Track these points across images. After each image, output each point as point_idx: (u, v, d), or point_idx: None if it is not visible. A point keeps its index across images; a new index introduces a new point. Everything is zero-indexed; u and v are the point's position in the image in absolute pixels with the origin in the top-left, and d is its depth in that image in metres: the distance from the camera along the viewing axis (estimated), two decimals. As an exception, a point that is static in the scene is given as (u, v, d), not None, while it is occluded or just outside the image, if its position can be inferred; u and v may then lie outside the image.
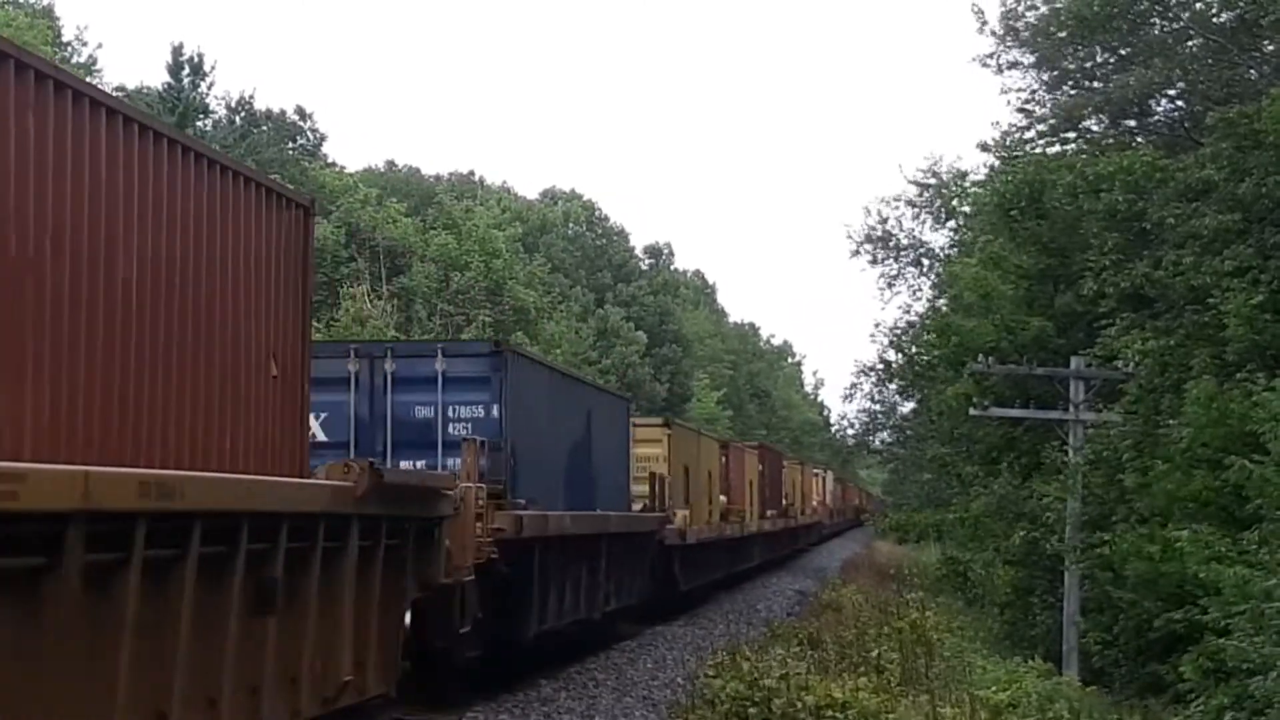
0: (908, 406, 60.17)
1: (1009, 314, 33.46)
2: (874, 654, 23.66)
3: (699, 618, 36.68)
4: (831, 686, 19.09)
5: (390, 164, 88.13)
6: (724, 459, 45.32)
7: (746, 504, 48.51)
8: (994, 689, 20.85)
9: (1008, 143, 40.59)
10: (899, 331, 54.03)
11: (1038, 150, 38.72)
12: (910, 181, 57.74)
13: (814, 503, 78.05)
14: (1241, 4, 32.57)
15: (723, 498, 44.08)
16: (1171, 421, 23.85)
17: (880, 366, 59.55)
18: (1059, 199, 32.03)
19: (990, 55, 40.51)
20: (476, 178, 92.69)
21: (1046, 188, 32.49)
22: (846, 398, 73.79)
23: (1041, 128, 40.37)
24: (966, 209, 51.72)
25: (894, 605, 33.13)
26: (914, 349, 47.69)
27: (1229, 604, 18.77)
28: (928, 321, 46.84)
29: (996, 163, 42.46)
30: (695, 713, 18.75)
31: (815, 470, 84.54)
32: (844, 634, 26.97)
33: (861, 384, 65.57)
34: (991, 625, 34.35)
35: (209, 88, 70.81)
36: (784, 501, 61.13)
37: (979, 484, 36.22)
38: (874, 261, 58.97)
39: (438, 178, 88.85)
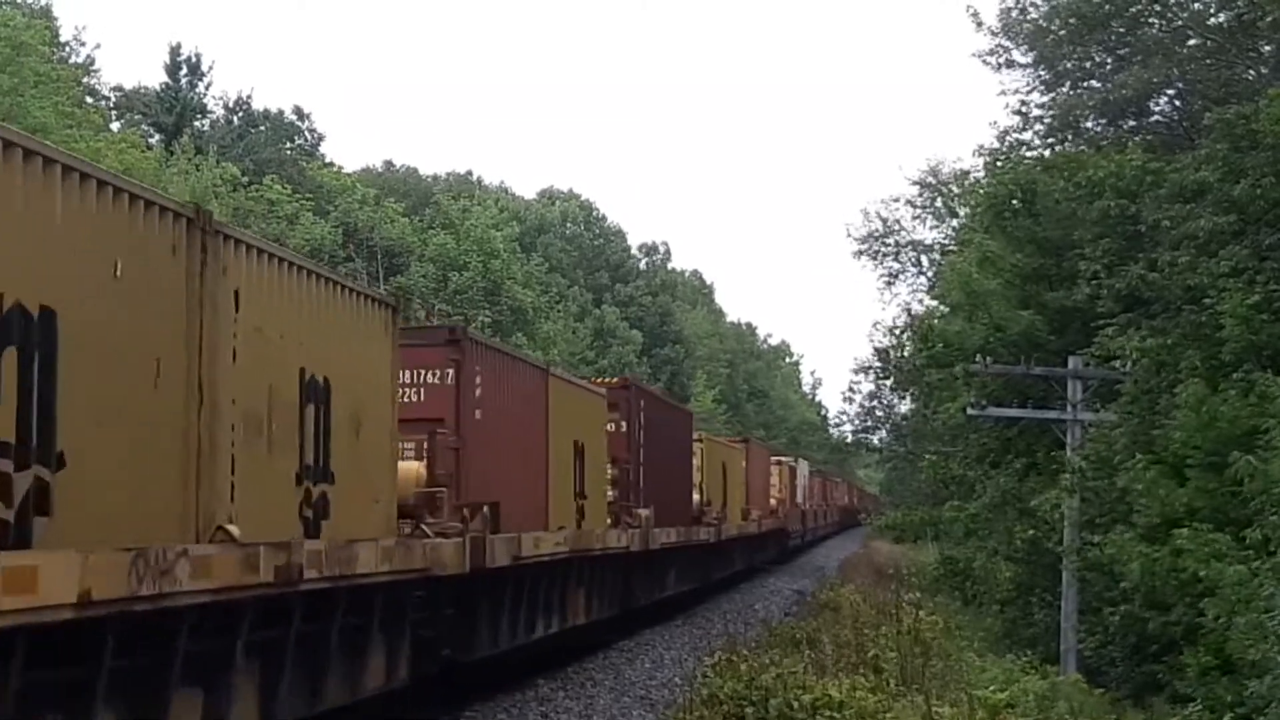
0: (905, 406, 60.25)
1: (998, 313, 33.39)
2: (871, 654, 23.62)
3: (696, 617, 36.67)
4: (829, 686, 19.07)
5: (388, 164, 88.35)
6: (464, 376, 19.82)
7: (565, 496, 24.67)
8: (992, 688, 20.82)
9: (1006, 143, 40.55)
10: (899, 330, 54.10)
11: (1035, 151, 38.71)
12: (912, 182, 57.93)
13: (771, 502, 58.41)
14: (1239, 4, 32.57)
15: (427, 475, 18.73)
16: (1167, 422, 23.88)
17: (879, 364, 59.68)
18: (1052, 199, 32.02)
19: (990, 52, 40.48)
20: (474, 178, 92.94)
21: (1039, 187, 32.48)
22: (846, 399, 73.85)
23: (1039, 127, 40.37)
24: (965, 210, 51.79)
25: (891, 605, 33.03)
26: (904, 350, 47.69)
27: (1231, 601, 18.78)
28: (920, 323, 46.84)
29: (989, 165, 42.44)
30: (692, 712, 18.73)
31: (779, 458, 65.40)
32: (841, 633, 26.95)
33: (859, 383, 65.74)
34: (990, 625, 34.30)
35: (207, 87, 71.09)
36: (698, 498, 40.40)
37: (976, 485, 36.14)
38: (876, 259, 59.09)
39: (435, 178, 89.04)
